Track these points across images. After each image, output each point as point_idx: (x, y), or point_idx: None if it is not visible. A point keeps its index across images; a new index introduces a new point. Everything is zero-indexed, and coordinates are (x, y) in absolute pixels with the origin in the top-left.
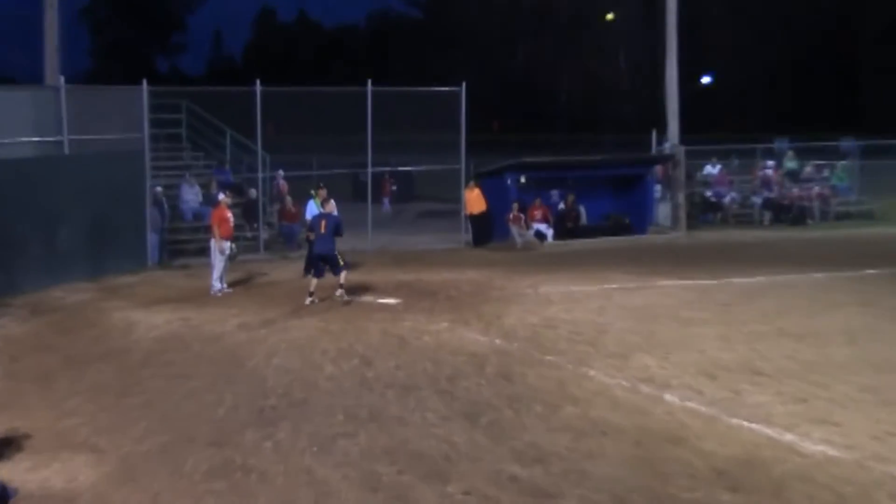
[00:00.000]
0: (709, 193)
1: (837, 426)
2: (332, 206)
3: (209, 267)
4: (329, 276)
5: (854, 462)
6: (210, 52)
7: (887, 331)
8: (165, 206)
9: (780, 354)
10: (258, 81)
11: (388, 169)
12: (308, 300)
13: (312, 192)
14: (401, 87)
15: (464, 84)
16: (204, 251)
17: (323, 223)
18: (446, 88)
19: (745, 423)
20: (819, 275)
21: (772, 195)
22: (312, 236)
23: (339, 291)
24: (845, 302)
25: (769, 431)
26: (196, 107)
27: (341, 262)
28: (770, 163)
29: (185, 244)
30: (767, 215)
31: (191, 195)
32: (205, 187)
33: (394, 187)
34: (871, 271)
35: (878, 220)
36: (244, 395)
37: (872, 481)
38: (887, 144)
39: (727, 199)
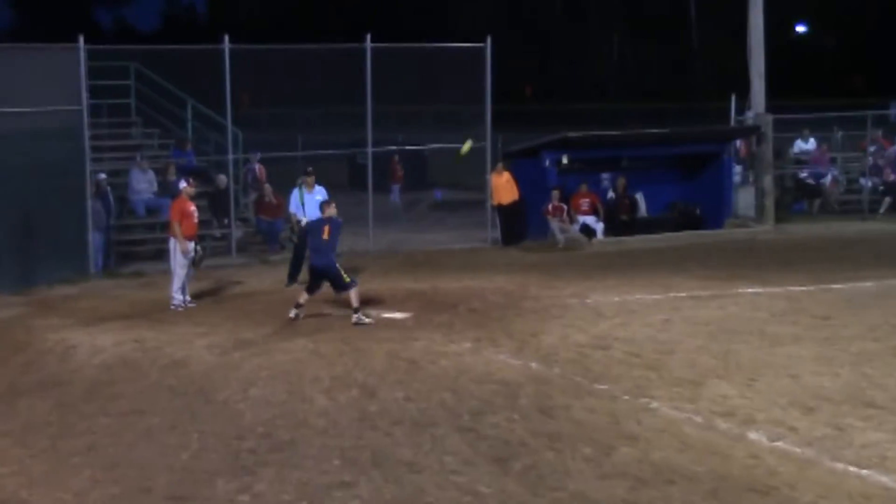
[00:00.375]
0: (804, 175)
1: None
2: (332, 210)
3: (168, 274)
4: (324, 291)
5: None
6: (165, 0)
7: None
8: (111, 197)
9: None
10: (227, 38)
11: (393, 149)
12: (293, 313)
13: (304, 179)
14: (410, 44)
15: (489, 39)
16: (161, 254)
17: (326, 229)
18: (467, 45)
19: (853, 469)
20: None
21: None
22: (297, 228)
23: (355, 317)
24: None
25: (885, 479)
26: (148, 71)
27: (347, 279)
28: None
29: (137, 246)
30: (886, 202)
31: (143, 183)
32: (161, 173)
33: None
34: None
35: None
36: (214, 436)
37: None
38: None
39: (828, 183)
